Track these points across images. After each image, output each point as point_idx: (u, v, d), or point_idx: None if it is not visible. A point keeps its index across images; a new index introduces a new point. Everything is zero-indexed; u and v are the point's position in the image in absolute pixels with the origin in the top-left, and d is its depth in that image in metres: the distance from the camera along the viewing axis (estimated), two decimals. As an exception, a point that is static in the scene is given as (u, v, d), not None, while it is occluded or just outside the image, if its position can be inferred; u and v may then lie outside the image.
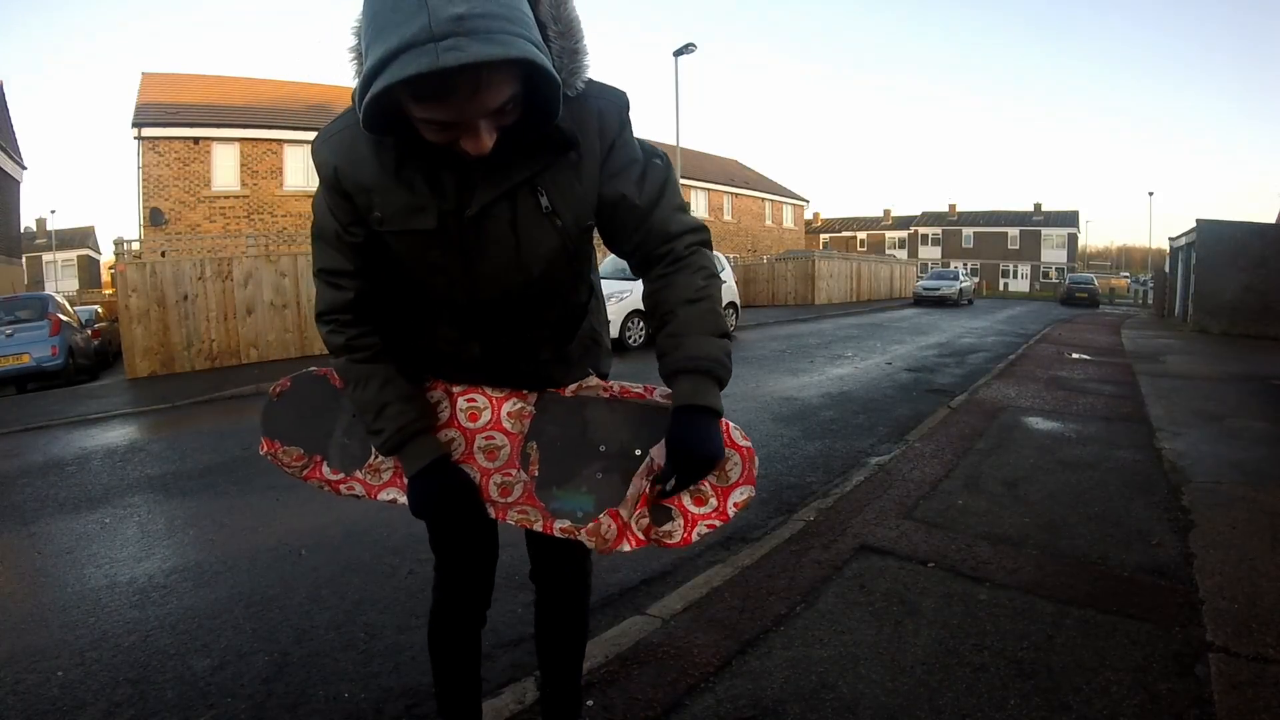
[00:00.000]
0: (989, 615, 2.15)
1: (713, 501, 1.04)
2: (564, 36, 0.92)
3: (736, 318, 12.25)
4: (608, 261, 9.82)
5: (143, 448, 5.02)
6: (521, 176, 0.95)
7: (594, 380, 1.14)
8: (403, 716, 1.77)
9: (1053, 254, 50.53)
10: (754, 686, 1.79)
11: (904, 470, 3.71)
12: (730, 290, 12.09)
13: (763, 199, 31.09)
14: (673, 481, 1.01)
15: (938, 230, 54.13)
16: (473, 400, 1.14)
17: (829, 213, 72.79)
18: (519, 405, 1.13)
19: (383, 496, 1.18)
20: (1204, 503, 3.18)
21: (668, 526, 1.05)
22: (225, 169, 15.88)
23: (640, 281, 1.08)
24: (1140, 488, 3.43)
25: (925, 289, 23.38)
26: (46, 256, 37.65)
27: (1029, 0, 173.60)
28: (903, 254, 50.15)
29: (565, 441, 1.12)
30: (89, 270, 40.36)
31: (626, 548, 1.05)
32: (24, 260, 21.81)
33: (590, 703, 1.71)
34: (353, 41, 0.86)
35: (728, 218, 28.15)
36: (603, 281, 1.32)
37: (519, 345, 1.10)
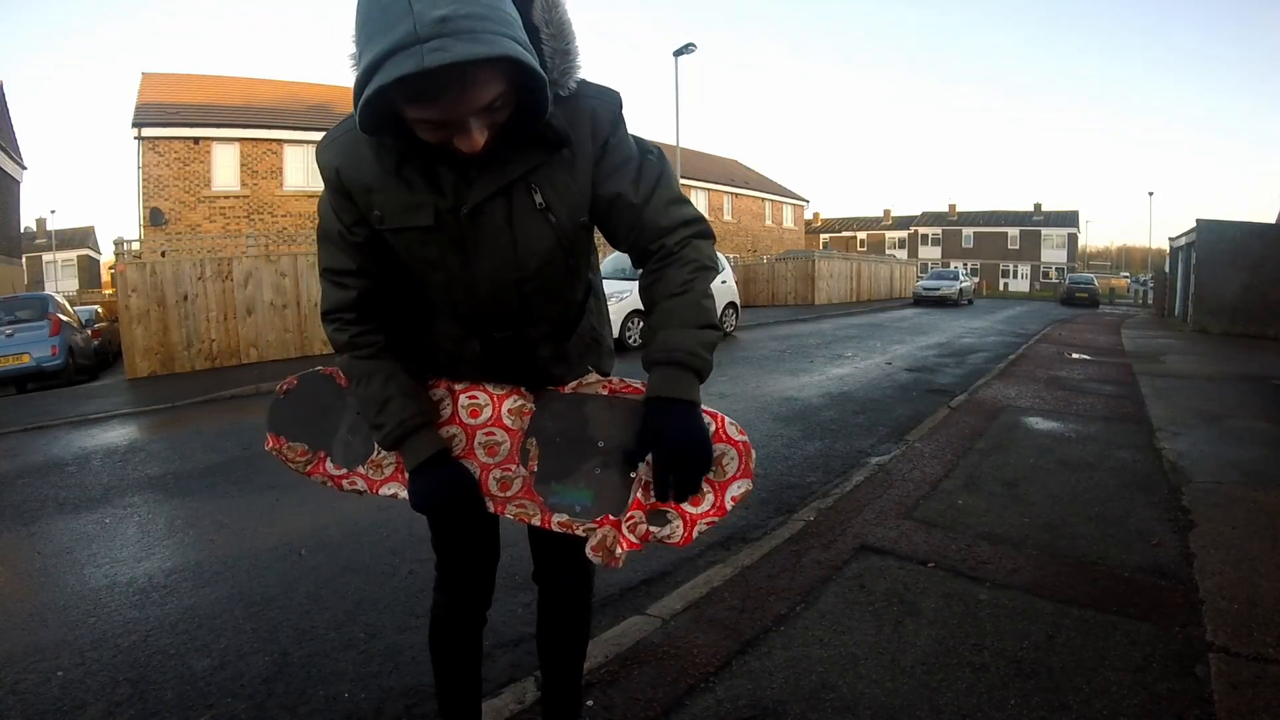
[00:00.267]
0: (989, 615, 2.15)
1: (710, 498, 1.04)
2: (556, 38, 0.95)
3: (736, 318, 12.24)
4: (608, 261, 9.81)
5: (143, 448, 5.02)
6: (516, 174, 0.97)
7: (593, 377, 1.16)
8: (403, 716, 1.77)
9: (1053, 254, 50.53)
10: (754, 686, 1.79)
11: (904, 470, 3.71)
12: (730, 290, 12.08)
13: (763, 199, 31.09)
14: (672, 490, 1.00)
15: (938, 230, 54.13)
16: (474, 397, 1.16)
17: (829, 213, 72.94)
18: (519, 402, 1.15)
19: (384, 491, 1.19)
20: (1204, 503, 3.18)
21: (665, 530, 1.05)
22: (225, 169, 15.89)
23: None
24: (1140, 488, 3.43)
25: (925, 289, 23.38)
26: (46, 256, 37.66)
27: (1029, 0, 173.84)
28: (903, 254, 50.15)
29: (564, 437, 1.13)
30: (89, 270, 40.36)
31: (620, 550, 1.04)
32: (24, 260, 21.81)
33: (590, 703, 1.71)
34: (353, 49, 0.89)
35: (728, 218, 28.15)
36: (603, 282, 1.32)
37: (517, 342, 1.11)
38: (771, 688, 1.79)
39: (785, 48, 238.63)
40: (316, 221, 1.11)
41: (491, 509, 1.14)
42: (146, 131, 15.04)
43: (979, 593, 2.31)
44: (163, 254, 11.14)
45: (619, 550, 1.04)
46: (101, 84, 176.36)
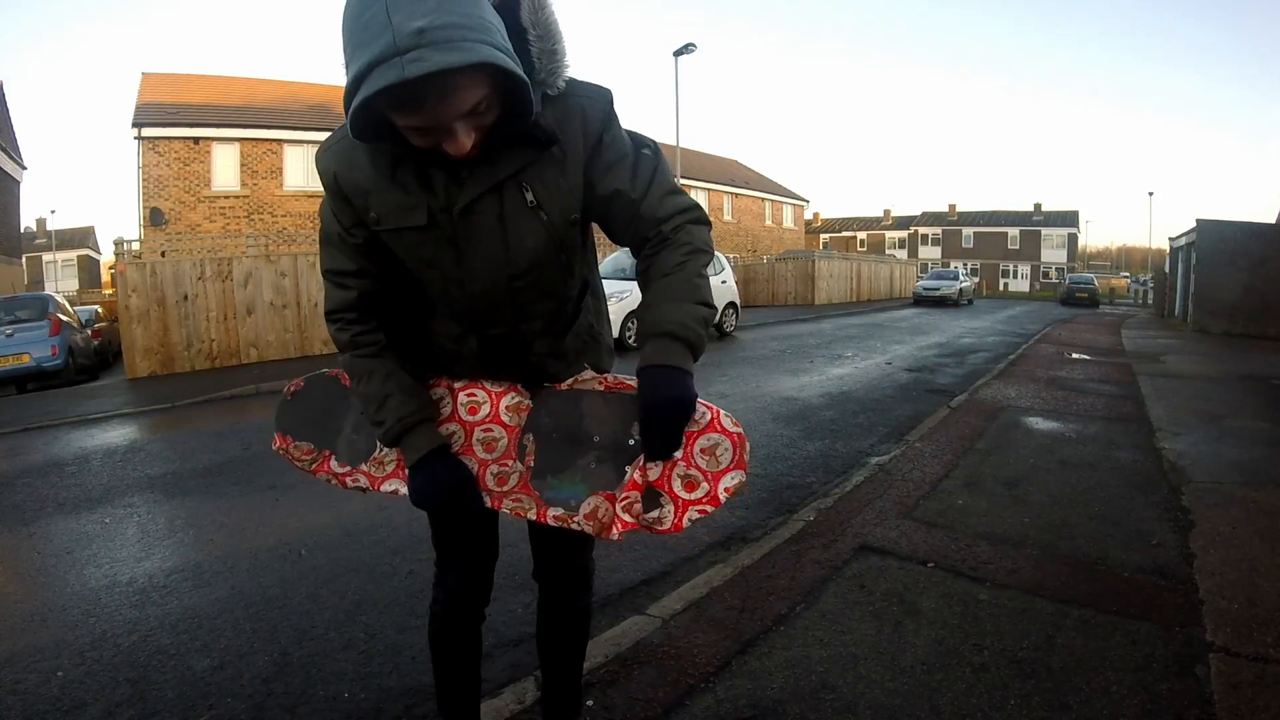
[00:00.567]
0: (989, 615, 2.15)
1: (704, 486, 1.04)
2: (543, 39, 0.96)
3: (736, 318, 12.24)
4: (608, 261, 9.82)
5: (143, 448, 5.02)
6: (507, 173, 0.99)
7: (589, 374, 1.18)
8: (403, 716, 1.77)
9: (1053, 254, 50.52)
10: (754, 686, 1.79)
11: (904, 470, 3.71)
12: (730, 290, 12.07)
13: (762, 199, 31.07)
14: (662, 461, 1.02)
15: (938, 230, 54.12)
16: (473, 395, 1.18)
17: (829, 213, 72.93)
18: (517, 399, 1.17)
19: (386, 487, 1.22)
20: (1204, 503, 3.18)
21: (657, 513, 1.06)
22: (225, 169, 15.87)
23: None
24: (1140, 488, 3.43)
25: (925, 289, 23.38)
26: (46, 256, 37.66)
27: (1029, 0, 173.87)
28: (903, 254, 50.14)
29: (561, 433, 1.14)
30: (89, 270, 40.37)
31: (617, 532, 1.05)
32: (24, 260, 21.80)
33: (590, 703, 1.71)
34: (342, 59, 0.91)
35: (728, 218, 28.14)
36: (603, 282, 1.32)
37: (513, 339, 1.13)
38: (771, 688, 1.79)
39: (785, 47, 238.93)
40: (317, 222, 1.14)
41: (489, 503, 1.15)
42: (146, 131, 15.03)
43: (979, 593, 2.31)
44: (163, 254, 11.15)
45: (615, 530, 1.05)
46: (101, 84, 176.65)
